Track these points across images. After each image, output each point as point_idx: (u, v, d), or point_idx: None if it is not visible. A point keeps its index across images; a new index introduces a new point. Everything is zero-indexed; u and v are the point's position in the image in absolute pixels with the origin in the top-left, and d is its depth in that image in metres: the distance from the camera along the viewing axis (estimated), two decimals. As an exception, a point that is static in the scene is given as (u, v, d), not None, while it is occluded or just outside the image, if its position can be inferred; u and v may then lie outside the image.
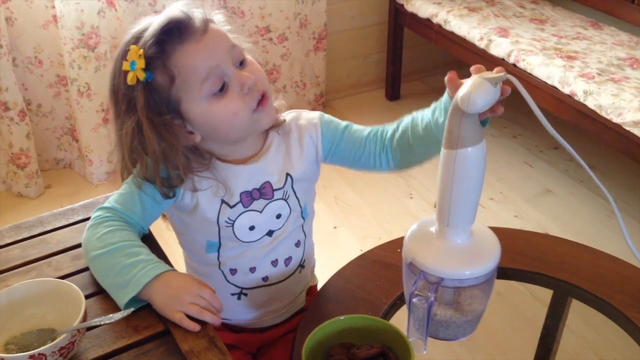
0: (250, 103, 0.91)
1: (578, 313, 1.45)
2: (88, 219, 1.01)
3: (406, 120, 1.00)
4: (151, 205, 0.96)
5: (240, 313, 1.09)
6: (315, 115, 1.05)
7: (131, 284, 0.85)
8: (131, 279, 0.85)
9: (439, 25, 2.40)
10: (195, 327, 0.82)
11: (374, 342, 0.86)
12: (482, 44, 2.21)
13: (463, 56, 2.35)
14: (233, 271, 1.04)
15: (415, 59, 2.96)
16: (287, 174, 1.01)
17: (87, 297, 0.85)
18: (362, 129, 1.04)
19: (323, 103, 2.79)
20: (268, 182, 1.00)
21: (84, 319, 0.77)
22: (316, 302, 1.00)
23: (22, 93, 2.14)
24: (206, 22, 0.90)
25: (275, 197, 1.00)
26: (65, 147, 2.39)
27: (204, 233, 1.01)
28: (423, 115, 0.97)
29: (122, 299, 0.85)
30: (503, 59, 2.14)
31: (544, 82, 2.00)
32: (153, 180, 0.93)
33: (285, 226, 1.03)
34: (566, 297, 1.15)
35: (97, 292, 0.89)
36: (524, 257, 1.07)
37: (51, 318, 0.81)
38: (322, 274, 1.07)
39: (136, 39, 0.89)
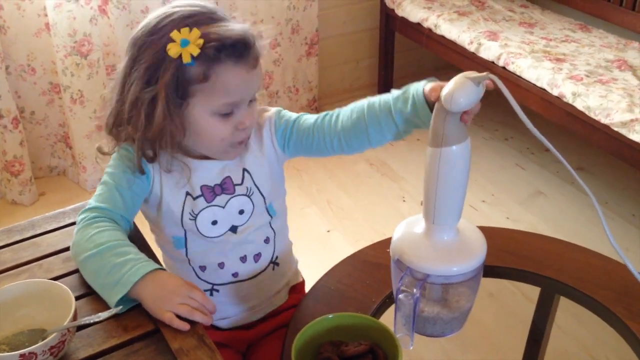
0: (236, 138, 0.97)
1: (569, 312, 1.47)
2: (79, 221, 1.03)
3: (361, 104, 1.00)
4: (130, 195, 0.98)
5: (218, 311, 1.09)
6: (272, 111, 1.07)
7: (120, 283, 0.86)
8: (120, 278, 0.86)
9: (430, 30, 2.42)
10: (185, 326, 0.83)
11: (363, 340, 0.87)
12: (472, 48, 2.23)
13: (453, 60, 2.37)
14: (202, 268, 1.06)
15: (406, 63, 2.97)
16: (244, 169, 1.03)
17: (77, 298, 0.86)
18: (311, 117, 1.05)
19: (316, 108, 2.81)
20: (229, 177, 1.02)
21: (74, 319, 0.78)
22: (306, 302, 1.02)
23: (15, 101, 2.15)
24: (258, 59, 0.94)
25: (237, 193, 1.02)
26: (59, 154, 2.40)
27: (170, 229, 1.03)
28: (381, 102, 0.97)
29: (112, 298, 0.86)
30: (493, 62, 2.16)
31: (533, 84, 2.02)
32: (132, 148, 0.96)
33: (250, 222, 1.04)
34: (553, 294, 1.16)
35: (88, 294, 0.90)
36: (511, 255, 1.09)
37: (42, 318, 0.82)
38: (315, 277, 1.08)
39: (197, 22, 0.90)
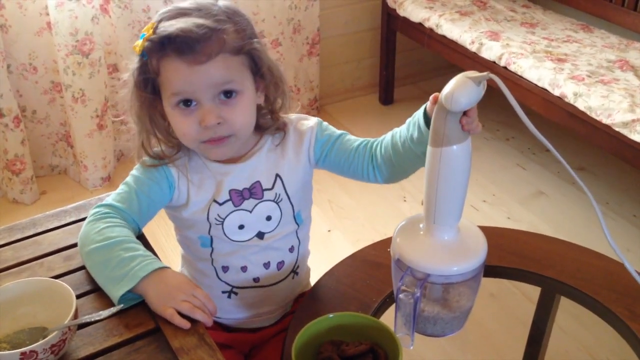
0: (202, 136, 0.94)
1: (569, 312, 1.46)
2: (80, 220, 1.03)
3: (388, 137, 1.02)
4: (147, 202, 0.98)
5: (230, 312, 1.10)
6: (314, 120, 1.06)
7: (127, 277, 0.86)
8: (128, 272, 0.87)
9: (431, 30, 2.42)
10: (186, 324, 0.83)
11: (363, 339, 0.87)
12: (473, 48, 2.23)
13: (455, 60, 2.37)
14: (225, 268, 1.06)
15: (408, 63, 2.97)
16: (277, 175, 1.02)
17: (78, 296, 0.86)
18: (354, 140, 1.06)
19: (317, 108, 2.81)
20: (258, 182, 1.01)
21: (75, 317, 0.78)
22: (307, 301, 1.02)
23: (16, 99, 2.15)
24: (211, 55, 0.90)
25: (265, 198, 1.02)
26: (60, 153, 2.40)
27: (196, 229, 1.03)
28: (400, 133, 0.99)
29: (116, 292, 0.86)
30: (494, 62, 2.15)
31: (535, 84, 2.02)
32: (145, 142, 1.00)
33: (277, 230, 1.04)
34: (554, 294, 1.16)
35: (89, 292, 0.90)
36: (512, 255, 1.08)
37: (43, 317, 0.82)
38: (316, 277, 1.08)
39: (164, 18, 0.93)
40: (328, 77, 2.84)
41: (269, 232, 1.04)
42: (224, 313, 1.10)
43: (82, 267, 0.94)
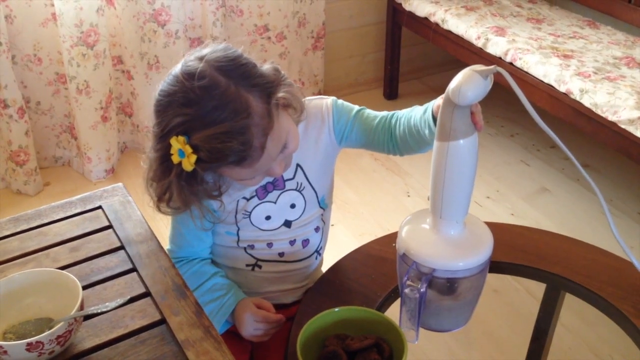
0: (267, 179, 0.99)
1: (572, 309, 1.46)
2: (86, 212, 1.03)
3: (403, 119, 1.03)
4: (194, 233, 1.04)
5: (253, 285, 1.12)
6: (328, 101, 1.05)
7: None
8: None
9: (437, 24, 2.41)
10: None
11: (368, 334, 0.87)
12: (479, 43, 2.22)
13: (460, 55, 2.36)
14: (251, 246, 1.08)
15: (413, 58, 2.97)
16: (298, 165, 1.03)
17: (84, 287, 0.86)
18: (373, 117, 1.06)
19: (321, 102, 2.80)
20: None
21: (81, 308, 0.78)
22: (312, 295, 1.02)
23: (21, 90, 2.15)
24: (264, 143, 0.85)
25: (287, 188, 1.03)
26: (64, 145, 2.40)
27: (223, 225, 1.05)
28: (415, 121, 0.99)
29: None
30: (500, 58, 2.15)
31: (541, 80, 2.01)
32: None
33: (303, 216, 1.06)
34: (559, 291, 1.15)
35: (95, 283, 0.90)
36: (517, 251, 1.08)
37: (49, 308, 0.82)
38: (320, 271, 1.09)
39: (189, 128, 0.83)
40: (333, 71, 2.84)
41: (296, 219, 1.06)
42: (247, 286, 1.11)
43: (88, 259, 0.94)
